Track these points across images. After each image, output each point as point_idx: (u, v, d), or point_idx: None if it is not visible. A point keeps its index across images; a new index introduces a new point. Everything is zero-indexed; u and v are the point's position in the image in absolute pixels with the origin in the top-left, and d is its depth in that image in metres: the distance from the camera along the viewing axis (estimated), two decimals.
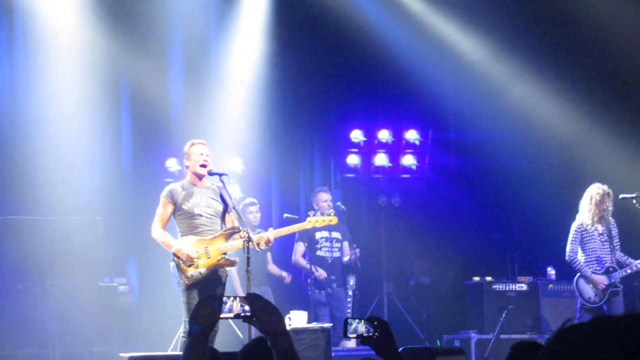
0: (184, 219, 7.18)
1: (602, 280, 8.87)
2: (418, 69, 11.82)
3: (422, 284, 11.96)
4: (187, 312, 6.92)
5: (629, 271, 8.94)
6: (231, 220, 7.31)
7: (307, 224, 7.77)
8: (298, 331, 7.70)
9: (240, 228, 7.13)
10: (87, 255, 9.31)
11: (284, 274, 10.09)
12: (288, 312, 8.14)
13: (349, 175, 11.90)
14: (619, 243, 9.02)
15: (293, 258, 10.04)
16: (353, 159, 11.77)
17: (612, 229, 8.98)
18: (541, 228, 11.30)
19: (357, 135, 11.82)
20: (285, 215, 9.68)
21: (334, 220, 7.93)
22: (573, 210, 9.28)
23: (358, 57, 11.83)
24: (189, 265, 7.00)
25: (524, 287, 10.39)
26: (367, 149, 11.83)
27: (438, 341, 10.70)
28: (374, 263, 11.35)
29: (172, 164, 10.49)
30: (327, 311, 9.84)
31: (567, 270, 9.66)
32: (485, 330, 10.14)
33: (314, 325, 8.08)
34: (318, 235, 9.93)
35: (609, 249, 8.95)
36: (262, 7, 11.63)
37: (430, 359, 5.93)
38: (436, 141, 12.09)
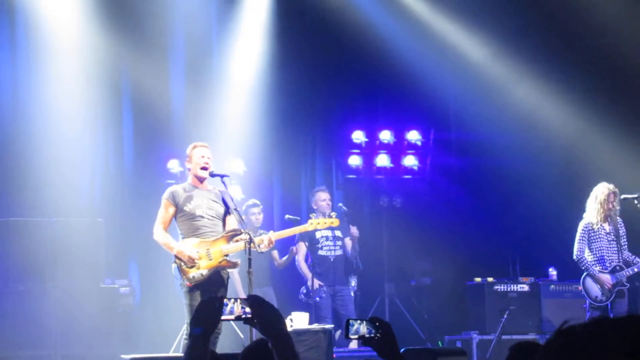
0: (186, 220, 7.18)
1: (608, 279, 8.87)
2: (419, 70, 11.81)
3: (423, 285, 11.96)
4: (190, 314, 6.91)
5: (635, 270, 8.95)
6: (231, 222, 7.31)
7: (308, 226, 7.77)
8: (299, 332, 7.71)
9: (242, 230, 7.12)
10: (89, 256, 9.31)
11: (292, 248, 9.88)
12: (290, 313, 8.14)
13: (350, 176, 11.89)
14: (626, 242, 9.03)
15: (296, 259, 10.00)
16: (354, 160, 11.77)
17: (620, 228, 8.99)
18: (543, 228, 11.30)
19: (358, 136, 11.81)
20: (287, 216, 9.67)
21: (336, 222, 7.92)
22: (575, 211, 9.27)
23: (359, 58, 11.82)
24: (191, 267, 7.00)
25: (526, 287, 10.39)
26: (369, 150, 11.83)
27: (440, 342, 10.70)
28: (376, 264, 11.34)
29: (173, 165, 10.49)
30: (329, 312, 9.81)
31: (569, 271, 9.66)
32: (486, 331, 10.13)
33: (316, 326, 8.07)
34: (318, 234, 9.90)
35: (615, 248, 8.96)
36: (264, 8, 11.63)
37: (432, 359, 5.93)
38: (438, 142, 12.08)
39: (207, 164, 7.29)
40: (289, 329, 7.57)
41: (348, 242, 10.14)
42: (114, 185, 10.69)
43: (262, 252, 7.31)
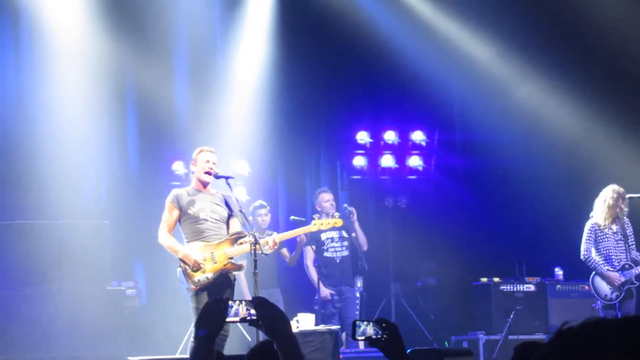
0: (190, 224, 7.18)
1: (617, 276, 8.86)
2: (424, 70, 11.80)
3: (429, 285, 11.94)
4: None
5: None
6: (235, 225, 7.30)
7: (312, 227, 7.77)
8: (306, 333, 7.70)
9: (245, 233, 7.12)
10: (95, 258, 9.31)
11: (302, 236, 9.68)
12: (296, 315, 8.13)
13: (355, 177, 11.88)
14: (634, 242, 9.02)
15: (305, 263, 9.95)
16: (359, 161, 11.76)
17: (627, 228, 8.99)
18: (548, 228, 11.28)
19: (363, 137, 11.81)
20: (292, 217, 9.66)
21: (339, 222, 7.91)
22: (580, 211, 9.25)
23: (364, 59, 11.82)
24: (196, 271, 7.00)
25: (532, 287, 10.37)
26: (374, 151, 11.82)
27: (446, 342, 10.68)
28: (381, 265, 11.33)
29: (178, 167, 10.49)
30: (336, 313, 9.79)
31: (575, 271, 9.64)
32: (493, 331, 10.12)
33: (322, 327, 8.07)
34: (324, 236, 9.88)
35: (623, 248, 8.95)
36: (267, 10, 11.63)
37: None
38: (442, 142, 12.07)
39: (211, 169, 7.28)
40: (295, 330, 7.57)
41: (353, 237, 9.92)
42: (119, 187, 10.70)
43: (266, 255, 7.28)
